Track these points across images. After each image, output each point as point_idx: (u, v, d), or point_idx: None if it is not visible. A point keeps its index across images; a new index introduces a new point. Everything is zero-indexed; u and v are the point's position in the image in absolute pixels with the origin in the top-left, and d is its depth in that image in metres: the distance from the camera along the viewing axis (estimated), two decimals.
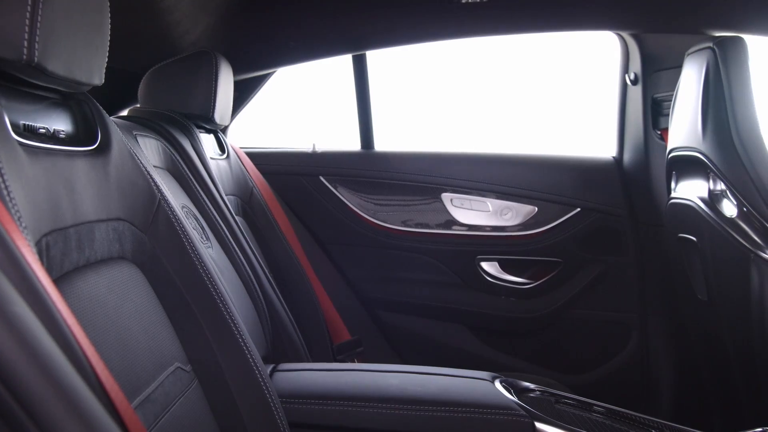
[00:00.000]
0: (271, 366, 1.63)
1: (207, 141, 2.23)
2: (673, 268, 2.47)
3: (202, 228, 1.73)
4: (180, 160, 1.85)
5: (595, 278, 2.79)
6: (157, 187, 1.32)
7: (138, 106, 2.22)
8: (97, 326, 1.04)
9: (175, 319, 1.27)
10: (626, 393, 2.81)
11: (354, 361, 2.49)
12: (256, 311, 1.81)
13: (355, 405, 1.44)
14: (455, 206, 2.83)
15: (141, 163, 1.30)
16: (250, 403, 1.31)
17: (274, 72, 2.83)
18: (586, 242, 2.78)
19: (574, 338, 2.85)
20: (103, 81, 1.16)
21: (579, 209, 2.77)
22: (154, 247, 1.28)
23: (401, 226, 2.86)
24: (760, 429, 1.78)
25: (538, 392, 1.69)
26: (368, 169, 2.90)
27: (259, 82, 2.85)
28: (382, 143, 2.96)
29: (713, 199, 2.06)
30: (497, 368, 2.40)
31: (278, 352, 1.90)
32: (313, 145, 2.94)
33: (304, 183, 2.90)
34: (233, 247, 1.83)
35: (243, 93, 2.83)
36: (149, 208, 1.29)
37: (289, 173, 2.91)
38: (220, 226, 1.83)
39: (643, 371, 2.81)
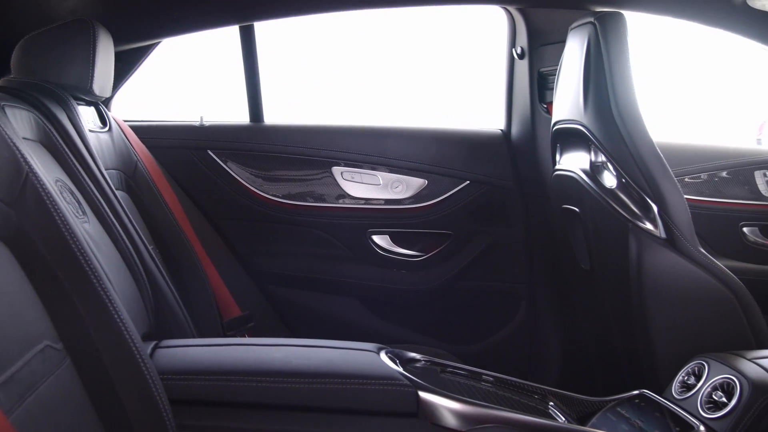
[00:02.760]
0: (153, 343, 1.59)
1: (86, 113, 2.15)
2: (558, 238, 2.53)
3: (78, 202, 1.67)
4: (54, 133, 1.77)
5: (484, 250, 2.84)
6: (25, 159, 1.26)
7: (11, 77, 2.12)
8: None
9: (44, 296, 1.22)
10: (516, 361, 2.88)
11: (244, 337, 2.47)
12: (137, 287, 1.76)
13: (236, 379, 1.42)
14: (346, 180, 2.82)
15: (6, 134, 1.24)
16: (126, 380, 1.27)
17: (159, 43, 2.75)
18: (476, 214, 2.82)
19: (465, 309, 2.90)
20: None
21: (468, 182, 2.81)
22: (21, 221, 1.22)
23: (292, 200, 2.84)
24: (636, 392, 1.86)
25: (423, 362, 1.71)
26: (258, 143, 2.85)
27: (143, 53, 2.76)
28: (271, 116, 2.91)
29: (594, 171, 2.11)
30: (390, 341, 2.41)
31: (162, 329, 1.85)
32: (201, 118, 2.88)
33: (191, 157, 2.84)
34: (112, 222, 1.78)
35: (126, 64, 2.73)
36: (15, 181, 1.23)
37: (176, 147, 2.83)
38: (98, 200, 1.77)
39: (532, 340, 2.88)
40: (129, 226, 1.89)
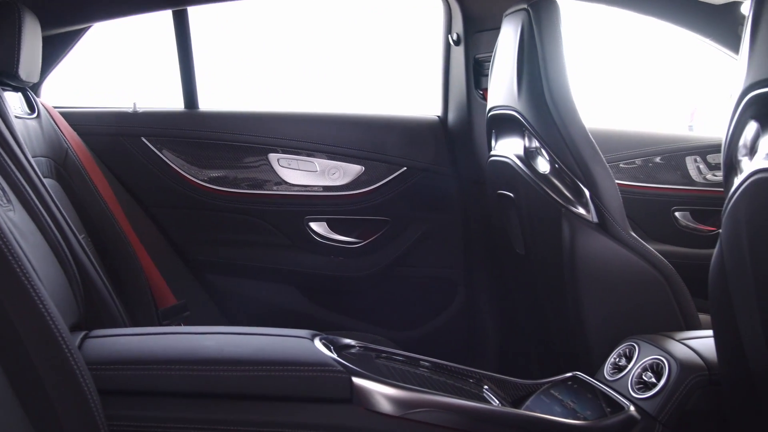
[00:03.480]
0: (83, 333, 1.55)
1: (12, 99, 2.09)
2: (494, 224, 2.55)
3: (3, 190, 1.62)
4: None
5: (421, 236, 2.85)
6: None
7: None
8: None
9: None
10: (454, 346, 2.90)
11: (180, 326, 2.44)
12: (65, 277, 1.72)
13: (167, 368, 1.40)
14: (282, 166, 2.81)
15: None
16: (52, 372, 1.24)
17: (90, 27, 2.69)
18: (413, 201, 2.83)
19: (403, 295, 2.91)
20: None
21: (405, 168, 2.82)
22: None
23: (228, 187, 2.81)
24: (570, 374, 1.88)
25: (358, 348, 1.71)
26: (192, 129, 2.81)
27: (73, 37, 2.69)
28: (206, 102, 2.87)
29: (528, 156, 2.13)
30: (328, 327, 2.41)
31: (92, 319, 1.81)
32: (134, 105, 2.82)
33: (124, 144, 2.78)
34: (39, 211, 1.73)
35: (56, 49, 2.66)
36: None
37: (109, 134, 2.77)
38: (24, 188, 1.72)
39: (469, 325, 2.91)
40: (57, 214, 1.84)
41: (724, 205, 1.33)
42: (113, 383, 1.39)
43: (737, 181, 1.27)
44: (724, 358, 1.52)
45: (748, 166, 1.24)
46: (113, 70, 3.42)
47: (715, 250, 1.43)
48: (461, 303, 2.89)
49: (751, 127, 1.25)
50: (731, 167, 1.33)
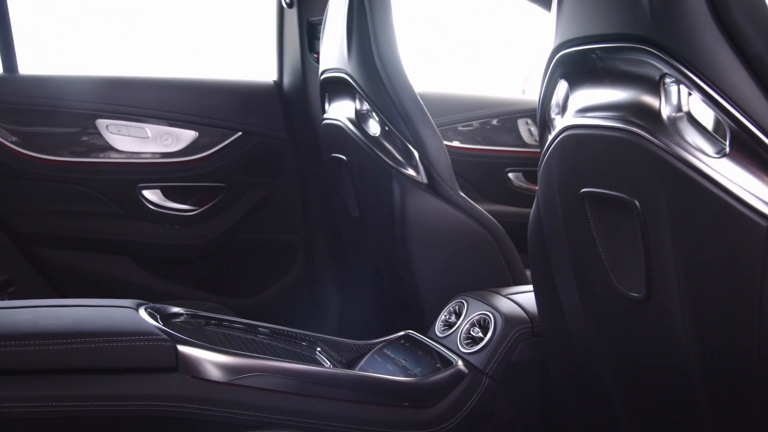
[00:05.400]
0: None
1: None
2: (330, 187, 2.56)
3: None
4: None
5: (259, 201, 2.82)
6: None
7: None
8: None
9: None
10: (295, 312, 2.90)
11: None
12: None
13: None
14: (112, 133, 2.69)
15: None
16: None
17: None
18: (249, 166, 2.80)
19: (242, 262, 2.88)
20: None
21: (240, 133, 2.77)
22: None
23: (53, 155, 2.66)
24: (402, 332, 1.92)
25: (186, 316, 1.68)
26: (13, 95, 2.65)
27: None
28: (27, 66, 2.72)
29: (359, 119, 2.14)
30: (165, 298, 2.36)
31: None
32: None
33: None
34: None
35: None
36: None
37: None
38: None
39: (310, 290, 2.91)
40: None
41: (539, 163, 1.37)
42: None
43: (550, 138, 1.32)
44: (544, 313, 1.59)
45: (559, 123, 1.29)
46: None
47: (533, 208, 1.49)
48: (301, 267, 2.88)
49: (562, 86, 1.30)
50: (545, 125, 1.38)
